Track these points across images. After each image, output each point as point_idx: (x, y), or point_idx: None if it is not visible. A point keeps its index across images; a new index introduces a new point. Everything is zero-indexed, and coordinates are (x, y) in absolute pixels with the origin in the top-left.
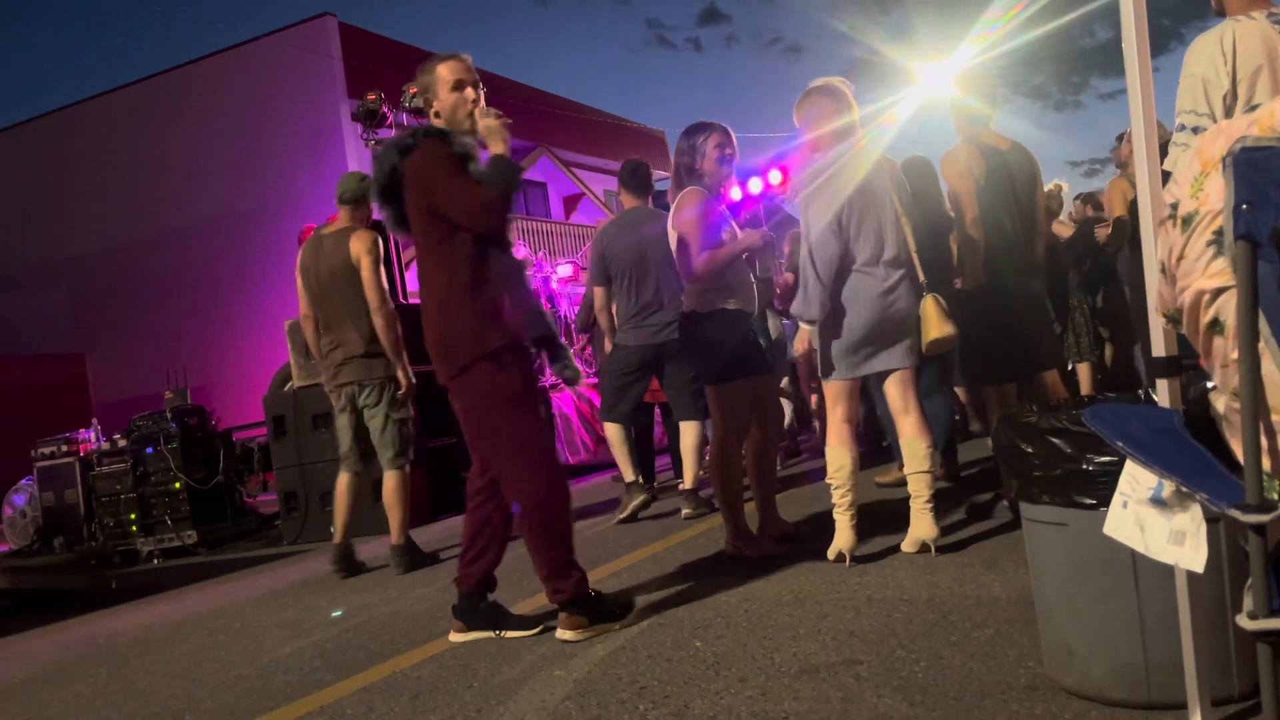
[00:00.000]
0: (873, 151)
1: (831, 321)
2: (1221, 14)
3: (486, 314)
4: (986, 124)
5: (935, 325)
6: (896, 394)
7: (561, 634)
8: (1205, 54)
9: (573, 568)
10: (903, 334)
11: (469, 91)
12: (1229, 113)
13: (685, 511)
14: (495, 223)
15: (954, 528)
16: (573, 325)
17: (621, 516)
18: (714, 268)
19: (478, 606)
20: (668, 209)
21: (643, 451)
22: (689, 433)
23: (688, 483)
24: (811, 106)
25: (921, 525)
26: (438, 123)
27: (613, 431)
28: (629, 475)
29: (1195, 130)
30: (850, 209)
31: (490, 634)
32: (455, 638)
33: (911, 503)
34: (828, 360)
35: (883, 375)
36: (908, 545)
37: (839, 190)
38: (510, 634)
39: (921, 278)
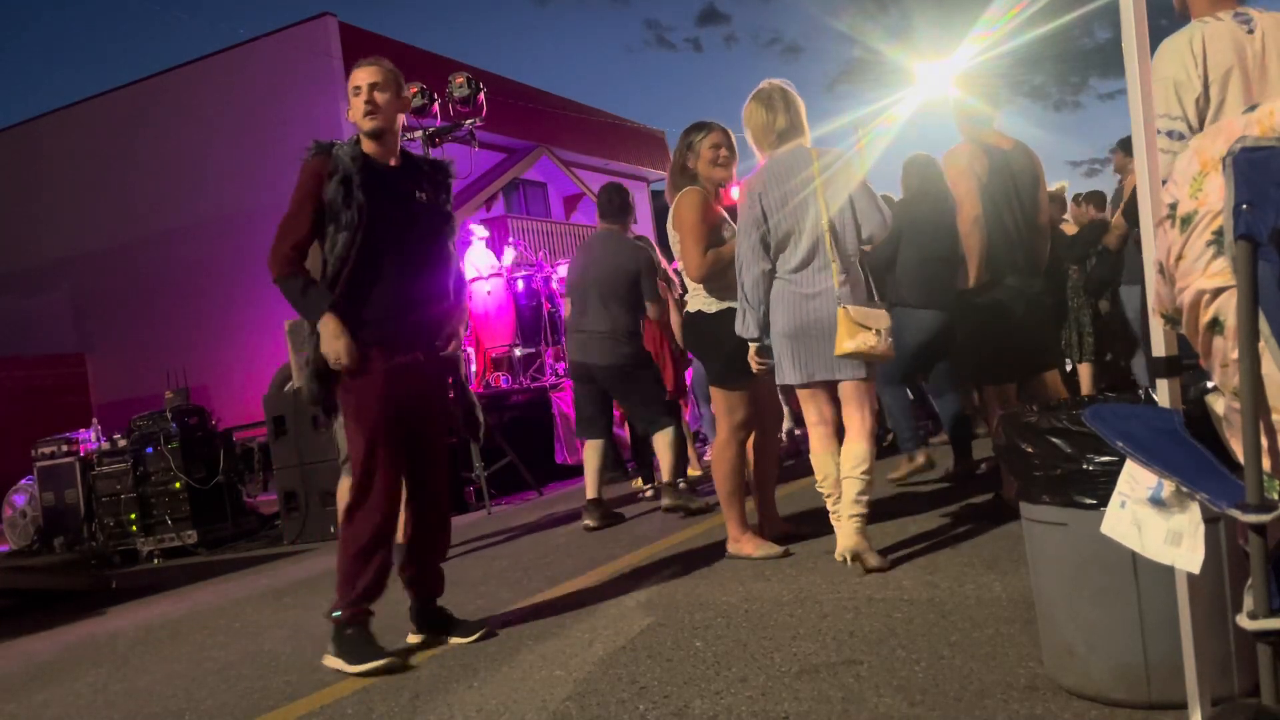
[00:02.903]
0: (805, 157)
1: (771, 329)
2: (1185, 16)
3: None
4: (989, 124)
5: (840, 339)
6: (844, 405)
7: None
8: (1175, 57)
9: (341, 595)
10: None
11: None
12: (1201, 116)
13: (665, 502)
14: (272, 268)
15: (954, 527)
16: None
17: (588, 525)
18: (716, 268)
19: (428, 609)
20: (664, 209)
21: (643, 452)
22: (662, 437)
23: (666, 476)
24: (750, 115)
25: (841, 534)
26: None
27: (588, 449)
28: (591, 491)
29: (1169, 134)
30: (773, 219)
31: (442, 635)
32: (412, 639)
33: (840, 508)
34: (780, 368)
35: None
36: (837, 554)
37: (761, 202)
38: (455, 640)
39: (836, 285)
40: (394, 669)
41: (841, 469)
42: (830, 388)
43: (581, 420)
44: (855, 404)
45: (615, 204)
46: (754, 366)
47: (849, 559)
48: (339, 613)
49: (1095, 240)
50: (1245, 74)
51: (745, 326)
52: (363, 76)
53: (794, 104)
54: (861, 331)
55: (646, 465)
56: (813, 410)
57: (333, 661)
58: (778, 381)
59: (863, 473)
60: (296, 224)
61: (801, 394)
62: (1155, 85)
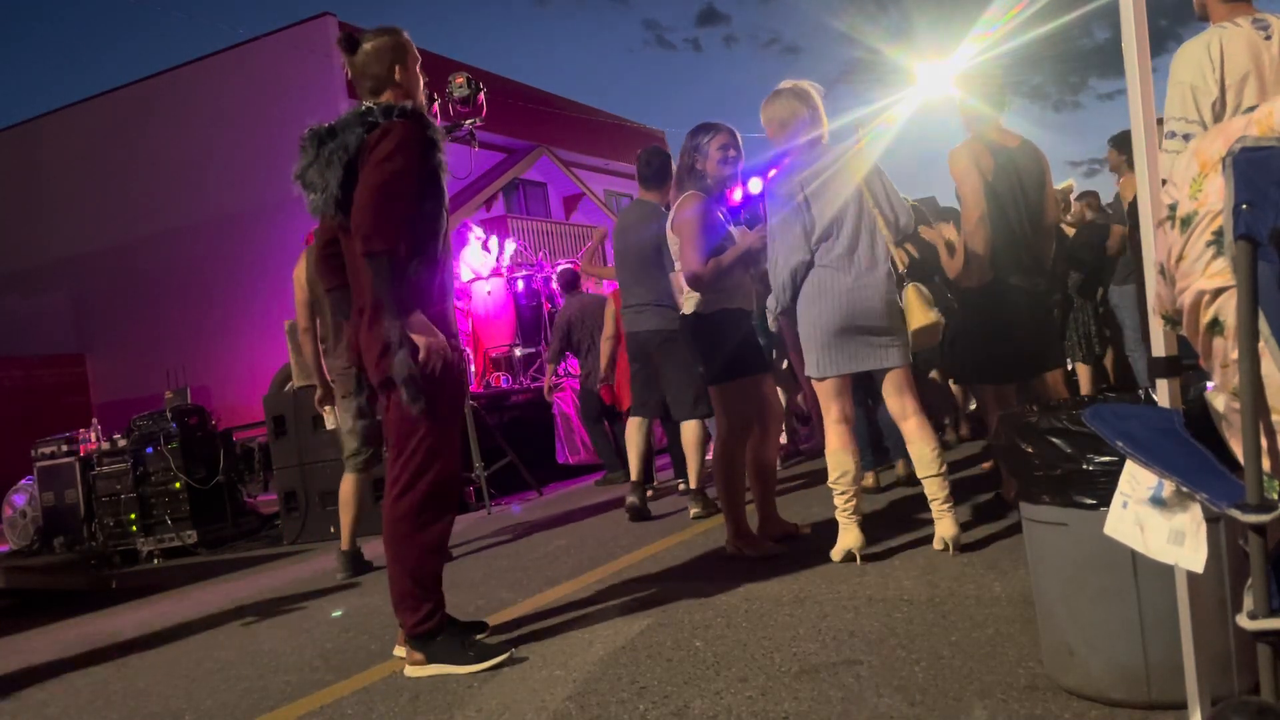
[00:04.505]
0: (840, 149)
1: (806, 318)
2: (1205, 19)
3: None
4: (994, 120)
5: (919, 313)
6: (892, 396)
7: (407, 669)
8: (1193, 61)
9: (421, 603)
10: (888, 331)
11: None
12: (1218, 120)
13: (694, 511)
14: (369, 248)
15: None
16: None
17: (630, 516)
18: (717, 274)
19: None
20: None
21: (645, 451)
22: (689, 430)
23: (693, 482)
24: (780, 109)
25: (942, 525)
26: (396, 95)
27: (632, 426)
28: (635, 474)
29: (1186, 137)
30: (817, 208)
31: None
32: (401, 650)
33: (931, 505)
34: (810, 359)
35: (881, 376)
36: (936, 543)
37: (804, 192)
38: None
39: (901, 268)
40: (515, 660)
41: (918, 471)
42: (848, 384)
43: (636, 402)
44: (908, 391)
45: (654, 167)
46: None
47: (950, 547)
48: (423, 624)
49: (1096, 244)
50: (1261, 79)
51: (778, 305)
52: None
53: (819, 101)
54: (934, 307)
55: (648, 463)
56: (835, 407)
57: (433, 669)
58: (816, 374)
59: (940, 471)
60: (408, 194)
61: (825, 389)
62: (1172, 89)
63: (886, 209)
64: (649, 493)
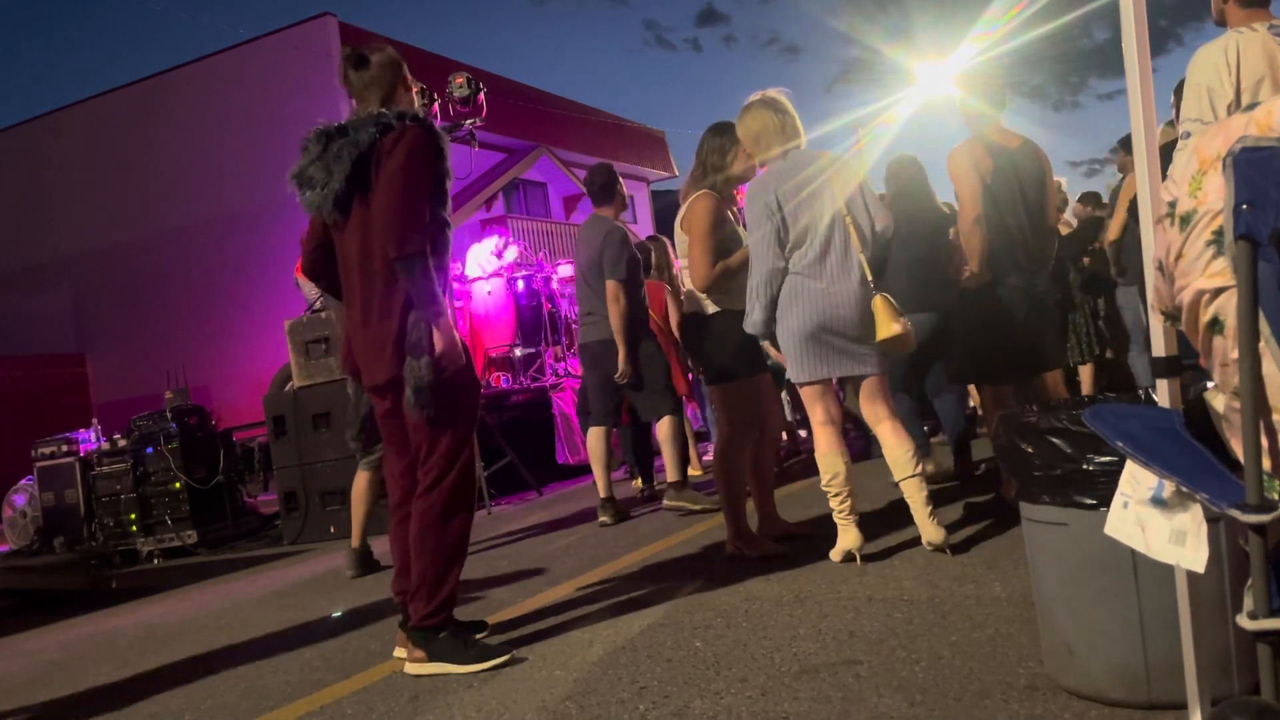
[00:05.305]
0: (815, 155)
1: (784, 324)
2: (1223, 24)
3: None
4: (995, 121)
5: (884, 324)
6: (866, 402)
7: (408, 666)
8: (1209, 64)
9: (435, 594)
10: (862, 339)
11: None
12: None
13: (667, 501)
14: (404, 251)
15: (954, 528)
16: (574, 325)
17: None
18: (722, 278)
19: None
20: (675, 207)
21: (641, 452)
22: (662, 427)
23: (672, 475)
24: (752, 121)
25: (926, 530)
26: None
27: (591, 437)
28: (602, 490)
29: None
30: (789, 211)
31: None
32: (401, 652)
33: (910, 508)
34: (792, 364)
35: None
36: (926, 545)
37: (776, 193)
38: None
39: (869, 276)
40: (515, 661)
41: (896, 473)
42: (832, 386)
43: (592, 410)
44: (881, 398)
45: (598, 185)
46: (775, 356)
47: (944, 549)
48: (430, 618)
49: (1092, 238)
50: (1276, 82)
51: (753, 323)
52: None
53: (790, 106)
54: (900, 318)
55: (646, 464)
56: (820, 410)
57: (433, 667)
58: (797, 379)
59: (916, 472)
60: (428, 198)
61: (808, 393)
62: (1188, 90)
63: (861, 214)
64: (646, 492)
